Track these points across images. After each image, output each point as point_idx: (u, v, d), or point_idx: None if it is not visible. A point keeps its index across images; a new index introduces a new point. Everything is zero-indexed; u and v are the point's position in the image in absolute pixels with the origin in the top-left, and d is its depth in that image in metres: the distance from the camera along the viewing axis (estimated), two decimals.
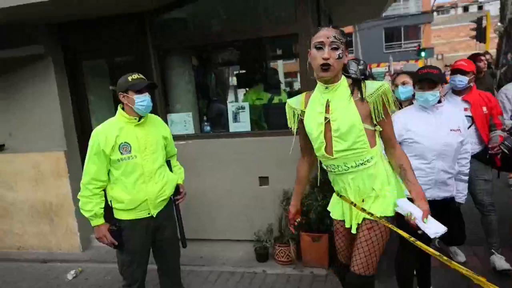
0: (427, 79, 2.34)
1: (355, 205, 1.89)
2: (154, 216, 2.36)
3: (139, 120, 2.30)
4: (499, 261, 3.07)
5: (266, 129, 4.09)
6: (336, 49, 1.69)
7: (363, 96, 1.78)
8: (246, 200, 3.74)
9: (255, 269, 3.54)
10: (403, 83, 3.11)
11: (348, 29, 21.45)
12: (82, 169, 2.33)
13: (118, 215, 2.32)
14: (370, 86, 1.80)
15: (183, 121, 3.87)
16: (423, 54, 20.71)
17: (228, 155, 3.72)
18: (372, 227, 1.86)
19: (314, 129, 1.84)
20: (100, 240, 2.35)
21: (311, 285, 3.21)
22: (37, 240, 4.32)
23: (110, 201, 2.32)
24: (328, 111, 1.80)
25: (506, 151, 1.94)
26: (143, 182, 2.28)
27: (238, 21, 3.85)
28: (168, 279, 2.57)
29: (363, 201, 1.88)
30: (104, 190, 2.35)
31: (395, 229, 1.79)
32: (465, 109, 3.01)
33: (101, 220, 2.32)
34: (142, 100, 2.24)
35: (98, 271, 3.81)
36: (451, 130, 2.39)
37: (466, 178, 2.65)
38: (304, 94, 1.95)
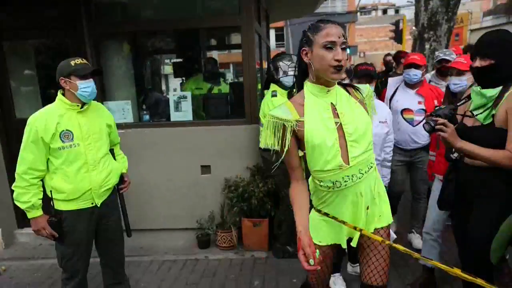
0: (366, 75, 2.59)
1: (360, 230, 1.67)
2: (99, 205, 2.29)
3: (81, 107, 2.21)
4: (416, 240, 3.51)
5: (205, 119, 4.14)
6: (345, 49, 1.56)
7: (363, 97, 1.72)
8: (187, 188, 3.75)
9: (197, 256, 3.60)
10: None
11: (279, 23, 22.02)
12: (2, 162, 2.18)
13: (59, 206, 2.21)
14: (361, 88, 1.75)
15: (122, 109, 3.75)
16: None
17: (169, 144, 3.70)
18: (386, 234, 1.76)
19: (327, 137, 1.58)
20: (38, 233, 2.22)
21: (253, 267, 3.36)
22: None
23: (50, 191, 2.20)
24: (335, 115, 1.62)
25: (427, 129, 2.00)
26: (87, 171, 2.20)
27: (180, 10, 3.81)
28: (110, 270, 2.51)
29: (367, 208, 1.69)
30: (42, 180, 2.22)
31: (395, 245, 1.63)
32: (419, 103, 3.22)
33: (39, 212, 2.19)
34: (86, 87, 2.15)
35: (24, 269, 3.56)
36: (380, 122, 2.68)
37: (389, 164, 2.97)
38: (289, 102, 1.67)
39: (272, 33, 27.45)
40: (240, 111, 3.78)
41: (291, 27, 22.04)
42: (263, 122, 3.34)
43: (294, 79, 3.30)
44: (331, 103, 1.63)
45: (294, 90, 3.43)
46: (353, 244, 1.72)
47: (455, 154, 2.14)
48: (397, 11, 34.48)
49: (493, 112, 1.89)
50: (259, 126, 3.44)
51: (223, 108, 4.11)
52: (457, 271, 1.35)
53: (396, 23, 13.19)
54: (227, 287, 3.07)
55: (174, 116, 3.75)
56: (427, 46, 6.14)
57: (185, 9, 3.83)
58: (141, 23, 3.79)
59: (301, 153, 1.70)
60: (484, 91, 1.92)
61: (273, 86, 3.32)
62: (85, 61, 2.21)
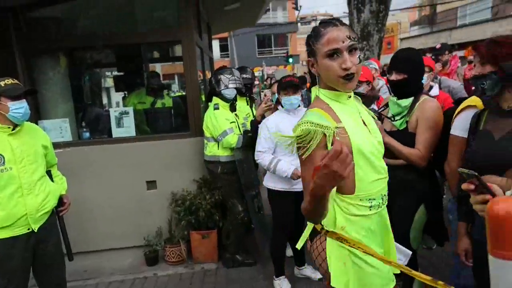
0: (292, 85, 2.74)
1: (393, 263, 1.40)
2: (36, 230, 2.19)
3: (13, 129, 2.11)
4: None
5: (149, 133, 4.09)
6: (355, 50, 1.34)
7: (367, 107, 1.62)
8: (132, 205, 3.67)
9: (146, 273, 3.52)
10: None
11: (223, 33, 22.22)
12: None
13: None
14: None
15: (59, 127, 3.59)
16: (290, 60, 22.76)
17: (112, 161, 3.60)
18: None
19: (368, 144, 1.40)
20: None
21: (203, 279, 3.36)
22: None
23: None
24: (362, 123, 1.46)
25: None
26: (21, 196, 2.10)
27: (119, 24, 3.77)
28: None
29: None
30: None
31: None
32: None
33: None
34: (19, 107, 2.07)
35: None
36: None
37: None
38: (319, 109, 1.38)
39: (216, 44, 27.64)
40: (184, 124, 3.79)
41: (235, 38, 22.38)
42: (206, 135, 3.39)
43: (236, 92, 3.41)
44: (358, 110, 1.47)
45: (236, 102, 3.55)
46: (298, 246, 1.56)
47: None
48: None
49: (407, 119, 2.17)
50: (203, 139, 3.48)
51: (167, 122, 4.09)
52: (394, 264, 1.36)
53: None
54: None
55: (116, 132, 3.67)
56: (361, 55, 6.58)
57: (124, 23, 3.79)
58: (77, 38, 3.67)
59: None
60: (400, 101, 2.19)
61: (215, 99, 3.38)
62: (15, 81, 2.13)
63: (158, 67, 8.22)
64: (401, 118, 2.18)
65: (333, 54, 1.32)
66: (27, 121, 2.24)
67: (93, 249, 3.71)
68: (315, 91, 1.46)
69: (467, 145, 1.79)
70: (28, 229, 2.16)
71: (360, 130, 1.40)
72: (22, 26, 3.45)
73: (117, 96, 5.85)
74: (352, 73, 1.33)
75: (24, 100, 2.12)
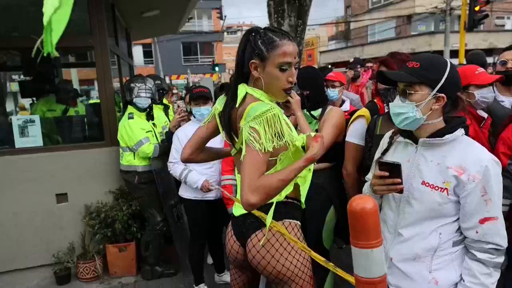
0: (202, 97, 2.82)
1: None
2: None
3: None
4: None
5: (61, 143, 3.82)
6: (297, 70, 1.50)
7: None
8: (40, 221, 3.39)
9: None
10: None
11: (147, 40, 21.56)
12: None
13: None
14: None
15: None
16: (217, 68, 22.90)
17: (14, 174, 3.30)
18: None
19: None
20: None
21: None
22: None
23: None
24: None
25: None
26: None
27: (22, 27, 3.49)
28: None
29: None
30: None
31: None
32: None
33: None
34: None
35: None
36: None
37: None
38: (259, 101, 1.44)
39: (140, 50, 26.72)
40: (99, 133, 3.62)
41: (159, 44, 21.83)
42: (121, 144, 3.29)
43: (149, 101, 3.36)
44: None
45: (152, 111, 3.50)
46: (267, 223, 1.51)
47: None
48: None
49: (316, 126, 2.41)
50: (119, 148, 3.36)
51: (80, 131, 3.88)
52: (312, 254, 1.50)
53: None
54: None
55: (20, 142, 3.37)
56: None
57: (28, 26, 3.51)
58: None
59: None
60: (312, 112, 2.42)
61: (130, 108, 3.30)
62: None
63: (74, 72, 7.69)
64: (314, 126, 2.40)
65: (284, 68, 1.39)
66: None
67: None
68: (246, 88, 1.45)
69: (365, 150, 2.03)
70: None
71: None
72: None
73: (24, 103, 5.36)
74: (292, 86, 1.44)
75: None
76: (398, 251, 1.46)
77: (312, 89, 2.36)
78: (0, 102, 4.81)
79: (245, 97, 1.44)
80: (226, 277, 3.27)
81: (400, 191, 1.36)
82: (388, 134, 1.59)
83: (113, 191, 3.55)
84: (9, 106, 5.12)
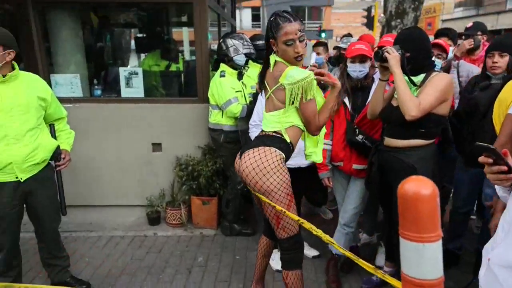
0: None
1: None
2: (23, 180, 2.20)
3: (4, 77, 2.08)
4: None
5: (163, 96, 4.04)
6: (303, 39, 1.88)
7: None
8: (138, 166, 3.71)
9: (146, 232, 3.59)
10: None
11: (255, 2, 21.62)
12: None
13: None
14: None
15: (70, 83, 3.61)
16: (323, 35, 21.98)
17: (119, 121, 3.61)
18: None
19: None
20: None
21: (200, 244, 3.39)
22: None
23: None
24: None
25: (376, 58, 2.14)
26: (7, 144, 2.09)
27: None
28: (44, 244, 2.48)
29: None
30: None
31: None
32: None
33: None
34: None
35: None
36: None
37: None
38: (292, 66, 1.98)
39: (248, 13, 26.98)
40: (193, 90, 3.72)
41: (267, 7, 21.74)
42: (211, 102, 3.31)
43: (245, 59, 3.28)
44: None
45: (245, 68, 3.41)
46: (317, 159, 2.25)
47: (360, 137, 2.32)
48: None
49: (416, 93, 2.10)
50: (209, 106, 3.40)
51: (177, 86, 4.04)
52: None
53: (368, 9, 13.22)
54: (171, 262, 3.10)
55: (125, 92, 3.66)
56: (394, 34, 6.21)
57: None
58: None
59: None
60: (413, 78, 2.12)
61: (223, 66, 3.27)
62: None
63: (185, 32, 8.05)
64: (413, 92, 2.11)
65: (289, 43, 1.86)
66: (28, 71, 2.22)
67: (99, 204, 3.80)
68: (275, 57, 1.97)
69: None
70: (16, 177, 2.17)
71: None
72: None
73: (135, 58, 5.78)
74: (301, 55, 1.89)
75: None
76: (499, 254, 1.19)
77: (414, 51, 2.07)
78: (115, 56, 5.26)
79: (275, 63, 1.96)
80: None
81: None
82: None
83: (202, 146, 3.66)
84: (133, 61, 5.57)
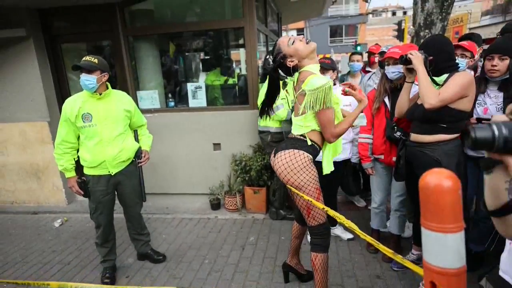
0: (322, 67, 2.49)
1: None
2: (113, 174, 2.33)
3: (100, 94, 2.23)
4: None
5: (222, 104, 4.09)
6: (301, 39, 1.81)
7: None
8: (202, 162, 3.79)
9: (209, 215, 3.65)
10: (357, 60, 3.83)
11: (300, 24, 21.26)
12: None
13: (86, 170, 2.30)
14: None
15: (150, 97, 3.79)
16: (358, 48, 20.94)
17: (188, 126, 3.72)
18: None
19: None
20: (71, 190, 2.34)
21: (251, 226, 3.37)
22: (27, 196, 4.17)
23: (79, 159, 2.29)
24: None
25: (400, 62, 1.98)
26: (102, 146, 2.24)
27: (194, 15, 3.75)
28: (131, 223, 2.61)
29: None
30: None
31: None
32: None
33: (71, 174, 2.30)
34: (84, 79, 2.14)
35: (80, 220, 3.77)
36: (344, 105, 2.57)
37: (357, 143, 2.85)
38: (313, 74, 1.82)
39: (294, 33, 26.60)
40: (245, 99, 3.71)
41: (310, 28, 21.28)
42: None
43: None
44: None
45: (287, 79, 3.33)
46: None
47: (398, 133, 2.15)
48: (405, 13, 32.25)
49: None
50: (257, 112, 3.37)
51: (232, 97, 4.06)
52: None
53: (399, 23, 12.38)
54: (228, 240, 3.11)
55: (192, 102, 3.75)
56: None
57: (198, 14, 3.75)
58: (165, 27, 3.74)
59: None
60: (436, 78, 1.95)
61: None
62: (90, 58, 2.16)
63: (242, 53, 8.15)
64: None
65: (291, 42, 1.78)
66: (119, 90, 2.37)
67: (173, 192, 3.95)
68: (297, 73, 1.84)
69: None
70: (108, 172, 2.32)
71: None
72: (126, 17, 3.63)
73: (201, 75, 5.91)
74: (307, 40, 1.77)
75: (93, 74, 2.14)
76: None
77: (436, 54, 1.89)
78: (188, 74, 5.44)
79: (299, 73, 1.82)
80: (336, 230, 3.02)
81: None
82: None
83: (252, 145, 3.64)
84: (201, 78, 5.72)
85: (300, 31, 26.14)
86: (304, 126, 1.83)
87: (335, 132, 1.78)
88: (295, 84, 1.88)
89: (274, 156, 1.93)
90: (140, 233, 2.67)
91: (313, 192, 1.82)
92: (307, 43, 1.75)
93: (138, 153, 2.49)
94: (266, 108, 1.99)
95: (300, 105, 1.79)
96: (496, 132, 0.60)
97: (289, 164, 1.81)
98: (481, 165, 0.75)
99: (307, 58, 1.77)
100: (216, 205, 3.76)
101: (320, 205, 1.65)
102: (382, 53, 4.64)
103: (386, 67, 2.35)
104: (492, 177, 0.76)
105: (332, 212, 1.46)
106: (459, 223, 0.68)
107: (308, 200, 1.72)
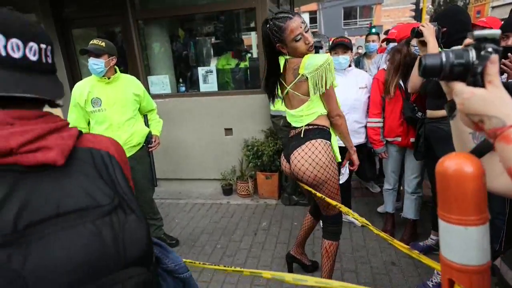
0: (341, 45, 2.36)
1: None
2: None
3: (109, 79, 2.18)
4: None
5: (233, 89, 4.01)
6: (308, 30, 1.59)
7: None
8: (214, 147, 3.74)
9: (221, 201, 3.64)
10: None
11: (312, 6, 20.61)
12: None
13: None
14: None
15: (161, 82, 3.73)
16: (373, 30, 20.26)
17: (199, 111, 3.66)
18: None
19: None
20: None
21: (263, 211, 3.34)
22: None
23: None
24: None
25: (412, 35, 1.84)
26: (112, 131, 2.21)
27: None
28: (143, 208, 2.60)
29: None
30: None
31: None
32: None
33: None
34: (92, 63, 2.11)
35: None
36: (359, 88, 2.45)
37: None
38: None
39: (306, 16, 25.82)
40: (256, 83, 3.61)
41: (323, 10, 20.63)
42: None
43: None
44: None
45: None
46: None
47: (419, 114, 2.09)
48: None
49: None
50: None
51: (243, 81, 3.96)
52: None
53: (417, 2, 11.80)
54: (240, 225, 3.09)
55: (203, 87, 3.68)
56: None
57: None
58: (173, 9, 3.63)
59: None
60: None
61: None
62: (97, 41, 2.12)
63: (254, 37, 7.95)
64: None
65: (298, 38, 1.54)
66: (127, 74, 2.31)
67: (186, 177, 3.94)
68: (284, 57, 1.65)
69: None
70: None
71: None
72: (135, 2, 3.53)
73: (212, 60, 5.80)
74: (312, 44, 1.57)
75: (101, 58, 2.11)
76: None
77: (450, 25, 1.83)
78: (199, 59, 5.35)
79: (285, 61, 1.64)
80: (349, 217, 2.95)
81: None
82: None
83: (264, 130, 3.56)
84: (212, 62, 5.61)
85: (312, 14, 25.36)
86: (309, 114, 1.67)
87: (339, 112, 1.68)
88: (283, 78, 1.70)
89: (289, 160, 1.76)
90: (153, 217, 2.67)
91: (336, 184, 1.74)
92: (308, 44, 1.57)
93: (149, 138, 2.46)
94: (269, 94, 1.81)
95: (301, 94, 1.63)
96: (444, 59, 0.59)
97: (313, 157, 1.64)
98: (445, 110, 0.71)
99: (302, 55, 1.62)
100: (228, 190, 3.74)
101: (332, 202, 1.58)
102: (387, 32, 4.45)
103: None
104: (456, 122, 0.71)
105: (344, 209, 1.41)
106: (483, 214, 0.57)
107: (321, 197, 1.64)
